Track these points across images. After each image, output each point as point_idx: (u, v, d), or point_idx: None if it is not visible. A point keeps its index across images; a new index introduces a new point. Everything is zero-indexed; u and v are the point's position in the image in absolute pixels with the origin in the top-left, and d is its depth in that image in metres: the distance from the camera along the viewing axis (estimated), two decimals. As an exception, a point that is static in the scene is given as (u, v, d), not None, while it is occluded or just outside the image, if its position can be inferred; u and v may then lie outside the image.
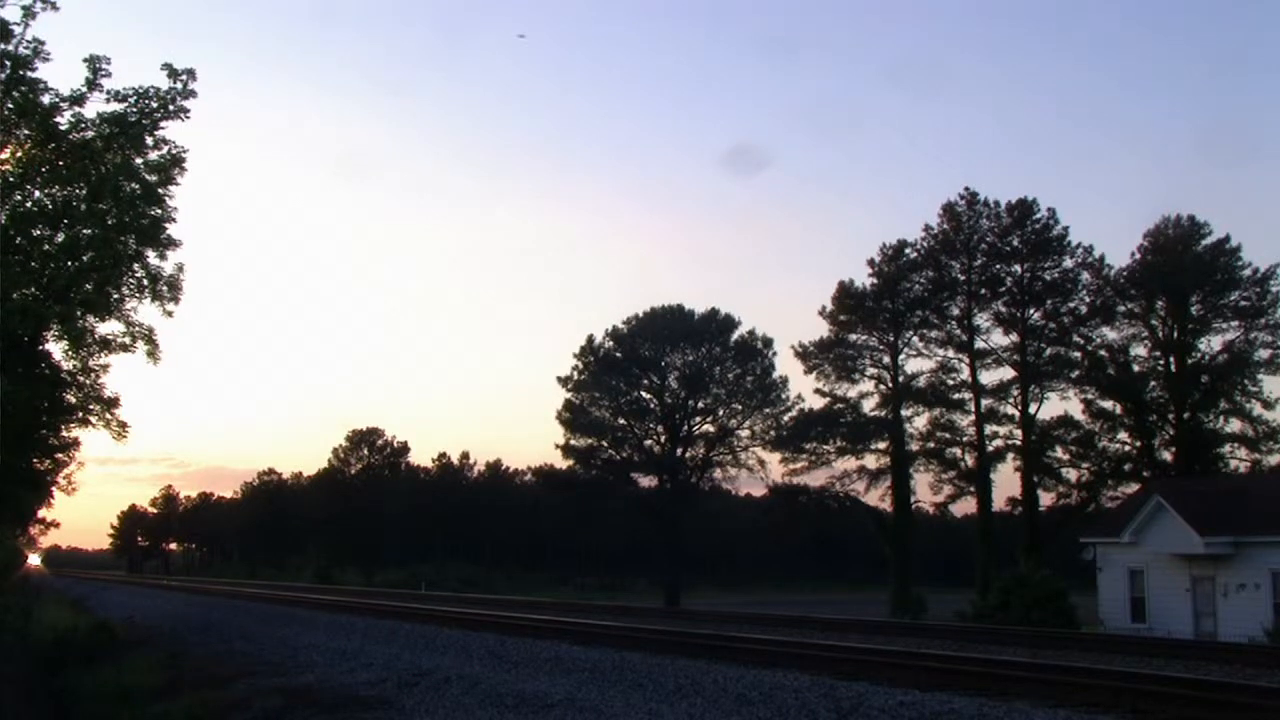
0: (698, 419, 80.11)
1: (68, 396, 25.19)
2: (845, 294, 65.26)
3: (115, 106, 21.08)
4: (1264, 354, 58.13)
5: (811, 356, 66.38)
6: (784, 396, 77.28)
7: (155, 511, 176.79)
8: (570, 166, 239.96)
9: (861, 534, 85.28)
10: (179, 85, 21.44)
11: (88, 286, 21.58)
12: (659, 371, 79.89)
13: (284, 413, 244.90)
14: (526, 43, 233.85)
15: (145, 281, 23.04)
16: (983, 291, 62.98)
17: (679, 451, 79.52)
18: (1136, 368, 61.51)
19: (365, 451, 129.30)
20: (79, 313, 21.90)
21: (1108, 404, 61.33)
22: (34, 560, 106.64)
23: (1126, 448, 61.33)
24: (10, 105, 20.28)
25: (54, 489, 34.91)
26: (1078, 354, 62.30)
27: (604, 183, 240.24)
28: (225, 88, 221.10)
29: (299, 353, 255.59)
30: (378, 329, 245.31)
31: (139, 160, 21.95)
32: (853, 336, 65.72)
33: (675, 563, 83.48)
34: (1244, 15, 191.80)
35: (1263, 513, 37.05)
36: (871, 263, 65.05)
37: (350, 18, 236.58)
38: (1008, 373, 62.56)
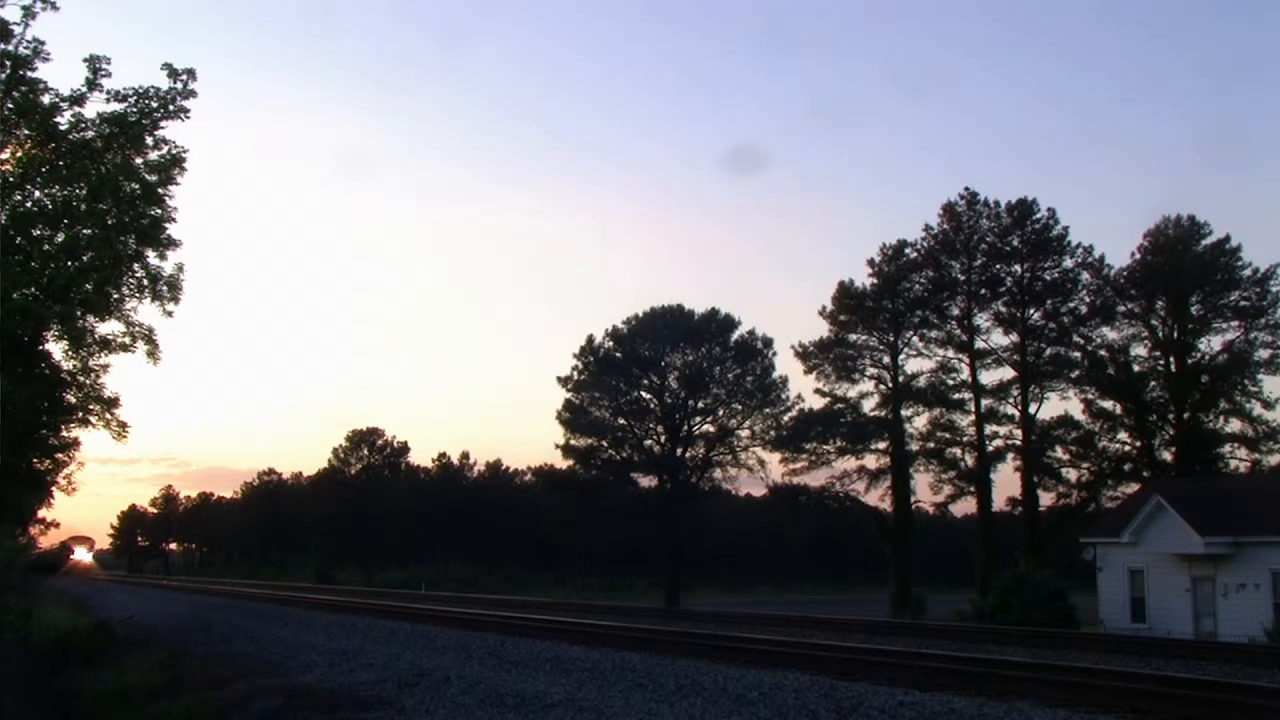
0: (698, 419, 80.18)
1: (68, 396, 25.14)
2: (845, 294, 65.34)
3: (115, 106, 21.01)
4: (1264, 354, 58.33)
5: (811, 356, 66.48)
6: (784, 396, 77.44)
7: (155, 511, 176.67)
8: (570, 166, 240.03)
9: (861, 534, 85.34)
10: (179, 85, 21.36)
11: (88, 286, 21.49)
12: (659, 371, 79.89)
13: (284, 413, 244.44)
14: (526, 43, 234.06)
15: (145, 281, 22.95)
16: (983, 291, 63.06)
17: (679, 451, 79.52)
18: (1136, 368, 61.63)
19: (365, 451, 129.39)
20: (79, 313, 21.84)
21: (1108, 404, 61.47)
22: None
23: (1126, 448, 61.43)
24: (10, 105, 20.24)
25: (54, 489, 34.81)
26: (1078, 354, 62.45)
27: (604, 183, 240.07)
28: (225, 88, 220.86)
29: (299, 353, 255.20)
30: (378, 329, 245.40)
31: (139, 160, 21.86)
32: (853, 336, 65.87)
33: (675, 563, 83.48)
34: (1244, 16, 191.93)
35: (1263, 513, 37.06)
36: (871, 263, 65.23)
37: (350, 18, 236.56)
38: (1008, 373, 62.76)
